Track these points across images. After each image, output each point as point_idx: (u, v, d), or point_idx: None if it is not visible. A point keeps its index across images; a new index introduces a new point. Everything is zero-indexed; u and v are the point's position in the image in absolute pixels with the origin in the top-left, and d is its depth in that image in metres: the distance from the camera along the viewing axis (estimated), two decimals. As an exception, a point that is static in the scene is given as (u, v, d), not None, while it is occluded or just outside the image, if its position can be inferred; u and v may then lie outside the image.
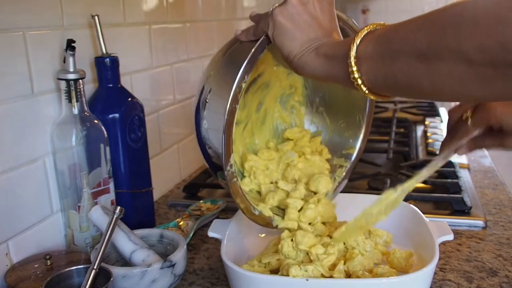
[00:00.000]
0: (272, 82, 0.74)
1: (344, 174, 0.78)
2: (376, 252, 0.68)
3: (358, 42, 0.47)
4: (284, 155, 0.74)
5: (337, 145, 0.79)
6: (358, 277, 0.61)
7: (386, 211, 0.64)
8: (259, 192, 0.73)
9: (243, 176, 0.71)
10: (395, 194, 0.64)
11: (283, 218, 0.69)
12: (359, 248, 0.67)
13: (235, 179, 0.62)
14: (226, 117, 0.57)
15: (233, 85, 0.56)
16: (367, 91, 0.48)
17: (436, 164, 0.63)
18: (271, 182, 0.73)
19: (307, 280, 0.56)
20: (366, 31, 0.48)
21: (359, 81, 0.48)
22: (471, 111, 0.59)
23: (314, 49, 0.52)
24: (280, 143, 0.78)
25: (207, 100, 0.61)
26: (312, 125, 0.81)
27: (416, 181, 0.64)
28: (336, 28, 0.56)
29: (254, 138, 0.76)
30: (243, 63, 0.56)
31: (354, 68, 0.47)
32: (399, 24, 0.44)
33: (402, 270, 0.66)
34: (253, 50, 0.57)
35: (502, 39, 0.35)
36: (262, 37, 0.57)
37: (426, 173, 0.64)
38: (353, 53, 0.47)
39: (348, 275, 0.63)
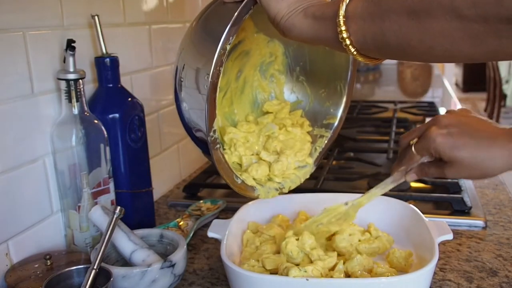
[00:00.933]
0: (252, 50, 0.73)
1: (324, 144, 0.77)
2: (375, 252, 0.68)
3: (347, 1, 0.46)
4: (264, 127, 0.73)
5: (318, 115, 0.78)
6: (357, 277, 0.61)
7: (339, 222, 0.68)
8: (240, 165, 0.72)
9: (223, 149, 0.70)
10: (345, 207, 0.68)
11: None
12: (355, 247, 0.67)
13: (218, 146, 0.60)
14: (210, 79, 0.54)
15: (217, 47, 0.54)
16: (355, 52, 0.48)
17: (386, 186, 0.67)
18: (252, 154, 0.72)
19: (307, 280, 0.56)
20: None
21: (348, 42, 0.47)
22: (417, 139, 0.62)
23: (302, 10, 0.51)
24: (260, 115, 0.77)
25: (182, 79, 0.59)
26: (292, 94, 0.80)
27: (367, 199, 0.68)
28: None
29: (233, 107, 0.75)
30: (227, 24, 0.54)
31: (343, 28, 0.46)
32: None
33: (402, 269, 0.66)
34: (238, 9, 0.55)
35: None
36: None
37: (376, 191, 0.68)
38: (342, 12, 0.46)
39: (348, 275, 0.63)
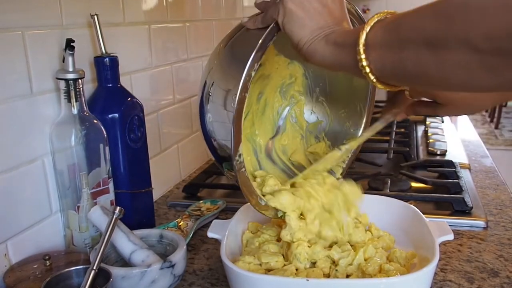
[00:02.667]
0: (273, 72, 0.73)
1: (345, 164, 0.78)
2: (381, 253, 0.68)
3: (367, 30, 0.47)
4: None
5: (338, 135, 0.79)
6: (369, 274, 0.61)
7: (332, 165, 0.72)
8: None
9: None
10: (339, 153, 0.70)
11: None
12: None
13: (243, 169, 0.61)
14: (236, 105, 0.56)
15: (242, 73, 0.55)
16: (375, 80, 0.48)
17: (376, 127, 0.69)
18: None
19: (307, 280, 0.56)
20: (376, 19, 0.48)
21: (367, 69, 0.48)
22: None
23: (324, 36, 0.52)
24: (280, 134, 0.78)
25: (210, 94, 0.60)
26: (312, 115, 0.80)
27: (358, 142, 0.71)
28: (346, 17, 0.56)
29: (254, 129, 0.75)
30: (252, 51, 0.56)
31: (363, 56, 0.47)
32: (408, 12, 0.44)
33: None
34: (263, 37, 0.56)
35: (510, 27, 0.34)
36: (272, 25, 0.57)
37: (367, 134, 0.71)
38: (362, 40, 0.47)
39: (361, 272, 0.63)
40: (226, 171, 0.63)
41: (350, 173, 1.07)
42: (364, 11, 3.08)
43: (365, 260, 0.64)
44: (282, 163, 0.77)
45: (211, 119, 0.61)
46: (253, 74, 0.56)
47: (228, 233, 0.67)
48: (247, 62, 0.56)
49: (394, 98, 0.67)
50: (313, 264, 0.64)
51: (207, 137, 0.62)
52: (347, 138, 0.78)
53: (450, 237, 0.66)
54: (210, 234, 0.68)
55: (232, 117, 0.56)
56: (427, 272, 0.58)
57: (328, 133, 0.79)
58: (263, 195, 0.67)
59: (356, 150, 0.78)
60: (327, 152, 0.77)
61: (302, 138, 0.80)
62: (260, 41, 0.56)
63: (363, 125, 0.77)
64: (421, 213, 0.72)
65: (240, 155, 0.59)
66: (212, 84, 0.60)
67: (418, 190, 0.99)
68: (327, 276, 0.63)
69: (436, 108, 0.62)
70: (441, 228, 0.67)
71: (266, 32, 0.56)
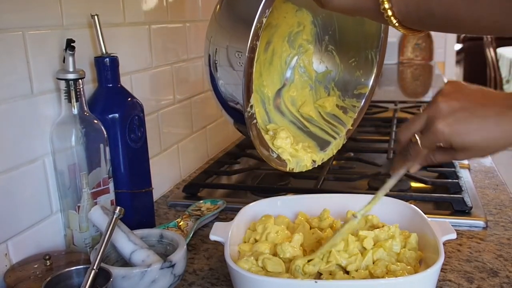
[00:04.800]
0: (280, 21, 0.72)
1: (356, 114, 0.75)
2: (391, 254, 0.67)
3: None
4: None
5: (348, 85, 0.77)
6: (377, 275, 0.61)
7: (349, 233, 0.66)
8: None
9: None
10: (356, 221, 0.65)
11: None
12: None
13: (254, 121, 0.60)
14: (247, 54, 0.54)
15: (253, 21, 0.53)
16: (397, 24, 0.46)
17: (390, 185, 0.64)
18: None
19: (316, 282, 0.56)
20: None
21: (389, 12, 0.45)
22: (419, 134, 0.58)
23: None
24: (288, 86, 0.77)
25: (216, 60, 0.59)
26: (321, 65, 0.78)
27: (373, 204, 0.65)
28: None
29: (262, 79, 0.74)
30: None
31: None
32: None
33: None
34: None
35: None
36: None
37: (381, 194, 0.65)
38: None
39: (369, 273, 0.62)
40: (247, 129, 0.62)
41: (350, 173, 1.08)
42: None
43: (374, 262, 0.64)
44: (291, 115, 0.75)
45: (223, 83, 0.60)
46: (264, 21, 0.54)
47: (230, 235, 0.67)
48: (257, 10, 0.53)
49: (405, 151, 0.61)
50: (320, 275, 0.63)
51: (223, 103, 0.61)
52: (357, 88, 0.76)
53: (453, 236, 0.66)
54: (212, 237, 0.67)
55: (244, 67, 0.54)
56: (434, 272, 0.58)
57: (337, 83, 0.77)
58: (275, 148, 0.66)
59: (366, 104, 0.75)
60: (336, 116, 0.75)
61: (311, 89, 0.77)
62: None
63: (374, 74, 0.74)
64: (422, 213, 0.72)
65: (251, 107, 0.58)
66: (216, 51, 0.59)
67: (417, 190, 0.99)
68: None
69: (454, 154, 0.57)
70: (444, 228, 0.67)
71: None
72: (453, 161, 1.10)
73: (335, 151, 0.74)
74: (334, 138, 0.75)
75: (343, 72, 0.77)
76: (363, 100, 0.75)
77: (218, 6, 0.62)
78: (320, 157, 0.72)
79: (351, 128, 0.75)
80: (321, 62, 0.78)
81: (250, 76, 0.56)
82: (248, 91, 0.57)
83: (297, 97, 0.76)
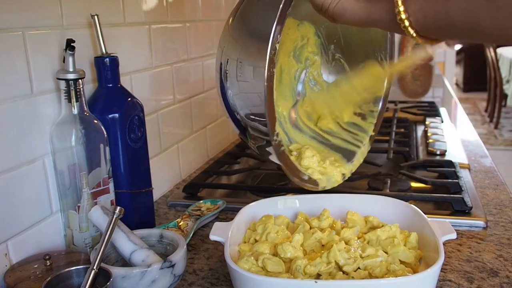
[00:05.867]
0: (283, 36, 0.71)
1: (376, 118, 0.75)
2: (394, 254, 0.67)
3: None
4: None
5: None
6: (375, 275, 0.61)
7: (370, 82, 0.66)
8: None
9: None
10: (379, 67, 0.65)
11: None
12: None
13: (282, 148, 0.59)
14: (265, 84, 0.54)
15: (266, 49, 0.53)
16: (414, 34, 0.45)
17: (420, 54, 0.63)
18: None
19: (316, 282, 0.56)
20: None
21: (406, 23, 0.44)
22: None
23: None
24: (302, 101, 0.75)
25: (227, 71, 0.59)
26: (331, 75, 0.77)
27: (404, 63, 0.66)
28: None
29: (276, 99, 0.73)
30: (273, 23, 0.52)
31: (401, 8, 0.44)
32: None
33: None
34: (281, 5, 0.53)
35: None
36: None
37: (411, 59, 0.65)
38: None
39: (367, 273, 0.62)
40: (250, 141, 0.62)
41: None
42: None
43: (373, 262, 0.63)
44: (310, 130, 0.74)
45: (231, 94, 0.59)
46: (277, 47, 0.53)
47: (230, 235, 0.67)
48: (269, 37, 0.52)
49: None
50: (319, 276, 0.63)
51: (231, 112, 0.61)
52: (372, 93, 0.74)
53: (453, 236, 0.66)
54: (213, 237, 0.67)
55: (264, 96, 0.54)
56: (434, 272, 0.58)
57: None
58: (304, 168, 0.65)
59: (383, 107, 0.74)
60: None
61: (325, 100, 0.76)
62: (279, 10, 0.52)
63: (387, 76, 0.73)
64: (422, 213, 0.72)
65: (277, 134, 0.57)
66: (227, 62, 0.59)
67: (417, 190, 0.99)
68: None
69: None
70: (444, 228, 0.67)
71: (283, 1, 0.53)
72: (454, 161, 1.10)
73: (361, 160, 0.73)
74: (358, 147, 0.74)
75: (355, 79, 0.76)
76: (380, 103, 0.74)
77: (233, 15, 0.61)
78: (349, 169, 0.71)
79: (373, 134, 0.74)
80: (330, 72, 0.77)
81: (272, 104, 0.56)
82: (272, 120, 0.56)
83: (312, 111, 0.75)
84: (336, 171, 0.70)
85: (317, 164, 0.68)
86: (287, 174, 0.63)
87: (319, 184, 0.66)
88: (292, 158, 0.66)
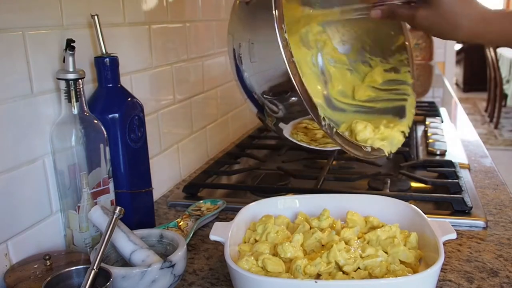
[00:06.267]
0: (288, 26, 0.71)
1: (409, 63, 0.73)
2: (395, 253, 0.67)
3: None
4: None
5: (383, 46, 0.74)
6: (375, 275, 0.61)
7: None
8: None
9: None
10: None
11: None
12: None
13: (334, 129, 0.59)
14: (293, 80, 0.55)
15: (275, 31, 0.54)
16: None
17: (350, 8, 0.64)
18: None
19: (316, 282, 0.56)
20: None
21: None
22: None
23: None
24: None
25: (241, 54, 0.60)
26: (346, 45, 0.75)
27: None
28: None
29: None
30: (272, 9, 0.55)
31: None
32: None
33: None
34: None
35: None
36: None
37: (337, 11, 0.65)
38: None
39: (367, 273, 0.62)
40: (267, 119, 0.62)
41: (350, 173, 1.08)
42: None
43: (373, 262, 0.63)
44: (351, 106, 0.73)
45: (247, 75, 0.60)
46: (286, 36, 0.55)
47: (230, 235, 0.67)
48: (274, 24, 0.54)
49: None
50: (319, 276, 0.63)
51: (249, 93, 0.61)
52: (393, 42, 0.72)
53: (453, 236, 0.66)
54: (213, 237, 0.67)
55: (296, 87, 0.55)
56: (434, 272, 0.58)
57: (372, 51, 0.74)
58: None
59: (411, 50, 0.72)
60: (384, 74, 0.72)
61: (352, 72, 0.75)
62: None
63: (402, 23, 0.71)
64: (422, 213, 0.72)
65: (324, 119, 0.57)
66: (240, 45, 0.60)
67: (417, 190, 0.99)
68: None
69: (416, 10, 0.57)
70: (444, 228, 0.67)
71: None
72: (454, 161, 1.10)
73: (413, 111, 0.71)
74: (405, 100, 0.71)
75: (371, 38, 0.74)
76: (407, 50, 0.72)
77: (238, 2, 0.62)
78: (406, 124, 0.69)
79: (413, 81, 0.72)
80: (343, 43, 0.75)
81: (307, 92, 0.56)
82: (313, 108, 0.56)
83: (344, 87, 0.73)
84: (394, 132, 0.67)
85: (373, 133, 0.67)
86: (351, 152, 0.62)
87: (384, 150, 0.65)
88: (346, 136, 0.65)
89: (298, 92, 0.56)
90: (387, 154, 0.65)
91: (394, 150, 0.66)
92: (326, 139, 0.63)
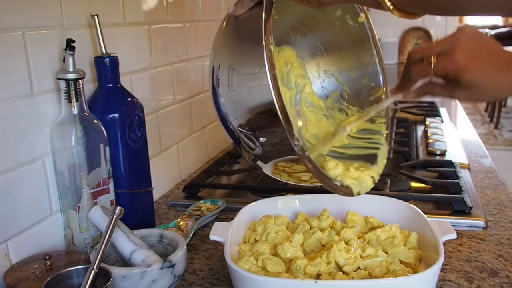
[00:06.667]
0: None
1: (385, 118, 0.74)
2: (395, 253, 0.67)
3: None
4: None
5: (360, 96, 0.75)
6: (375, 275, 0.61)
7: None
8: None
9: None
10: (345, 134, 0.67)
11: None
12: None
13: (307, 153, 0.57)
14: (272, 88, 0.53)
15: (263, 52, 0.53)
16: (391, 6, 0.45)
17: (384, 105, 0.64)
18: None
19: (316, 282, 0.56)
20: None
21: None
22: (435, 56, 0.56)
23: None
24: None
25: (219, 76, 0.59)
26: (325, 90, 0.76)
27: (362, 119, 0.65)
28: None
29: None
30: (261, 26, 0.53)
31: None
32: None
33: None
34: (264, 9, 0.54)
35: None
36: None
37: (373, 112, 0.65)
38: None
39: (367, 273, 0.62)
40: (244, 153, 0.61)
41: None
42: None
43: (373, 262, 0.64)
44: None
45: (223, 102, 0.59)
46: (272, 48, 0.54)
47: (230, 235, 0.67)
48: (261, 39, 0.53)
49: (411, 72, 0.60)
50: (319, 276, 0.63)
51: (224, 121, 0.60)
52: (371, 93, 0.73)
53: (453, 236, 0.66)
54: (212, 237, 0.67)
55: (278, 106, 0.53)
56: (434, 272, 0.58)
57: (349, 99, 0.75)
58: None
59: (387, 98, 0.73)
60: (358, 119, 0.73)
61: (328, 118, 0.75)
62: (264, 14, 0.54)
63: (380, 73, 0.72)
64: (422, 213, 0.72)
65: (298, 139, 0.56)
66: (219, 66, 0.59)
67: (417, 190, 0.99)
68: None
69: (453, 90, 0.57)
70: (444, 227, 0.67)
71: (265, 4, 0.54)
72: (454, 161, 1.10)
73: (385, 160, 0.72)
74: (377, 148, 0.73)
75: (350, 87, 0.76)
76: (383, 101, 0.74)
77: (225, 23, 0.62)
78: (376, 171, 0.70)
79: (387, 131, 0.73)
80: (323, 88, 0.77)
81: (284, 107, 0.54)
82: (288, 124, 0.55)
83: (318, 132, 0.74)
84: (365, 175, 0.68)
85: (343, 172, 0.67)
86: (320, 181, 0.61)
87: (352, 189, 0.65)
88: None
89: (277, 106, 0.54)
90: (355, 194, 0.66)
91: (362, 192, 0.67)
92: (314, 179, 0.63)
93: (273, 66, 0.54)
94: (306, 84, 0.75)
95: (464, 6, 0.42)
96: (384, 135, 0.73)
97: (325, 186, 0.62)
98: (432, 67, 0.56)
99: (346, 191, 0.64)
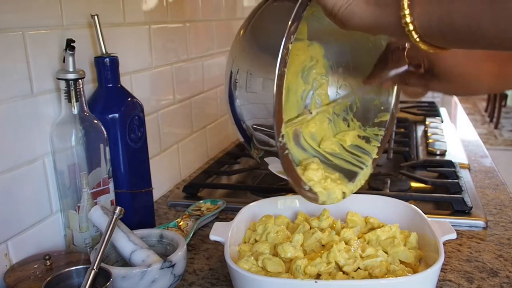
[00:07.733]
0: (292, 57, 0.71)
1: (380, 143, 0.75)
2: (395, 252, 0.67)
3: None
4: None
5: (367, 114, 0.76)
6: (376, 275, 0.61)
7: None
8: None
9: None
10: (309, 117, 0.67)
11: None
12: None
13: (286, 151, 0.58)
14: (276, 81, 0.53)
15: (279, 47, 0.53)
16: (418, 39, 0.45)
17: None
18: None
19: (316, 282, 0.56)
20: None
21: (411, 27, 0.44)
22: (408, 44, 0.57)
23: None
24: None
25: (237, 80, 0.59)
26: (338, 97, 0.77)
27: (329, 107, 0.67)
28: None
29: None
30: (287, 22, 0.53)
31: (407, 12, 0.44)
32: None
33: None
34: (297, 6, 0.53)
35: None
36: None
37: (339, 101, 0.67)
38: None
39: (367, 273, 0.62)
40: (253, 151, 0.62)
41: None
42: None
43: (373, 262, 0.64)
44: (313, 150, 0.74)
45: (239, 104, 0.59)
46: (290, 47, 0.54)
47: (230, 235, 0.67)
48: (283, 36, 0.53)
49: (386, 59, 0.60)
50: (319, 276, 0.63)
51: (238, 121, 0.61)
52: (378, 116, 0.75)
53: (453, 236, 0.66)
54: (212, 237, 0.67)
55: (273, 99, 0.54)
56: (434, 272, 0.58)
57: (356, 113, 0.76)
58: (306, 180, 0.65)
59: (388, 131, 0.75)
60: (354, 139, 0.75)
61: (330, 122, 0.76)
62: (294, 11, 0.53)
63: (393, 101, 0.73)
64: (422, 213, 0.72)
65: (283, 136, 0.57)
66: (238, 72, 0.59)
67: (417, 190, 0.99)
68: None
69: (429, 81, 0.57)
70: (444, 228, 0.67)
71: (299, 3, 0.54)
72: (454, 161, 1.10)
73: (363, 182, 0.73)
74: (361, 168, 0.74)
75: (361, 102, 0.76)
76: (385, 128, 0.75)
77: (245, 26, 0.61)
78: (350, 188, 0.71)
79: (376, 157, 0.75)
80: (337, 94, 0.77)
81: (281, 104, 0.55)
82: (279, 120, 0.56)
83: (317, 132, 0.75)
84: (337, 188, 0.69)
85: (320, 178, 0.68)
86: (289, 181, 0.62)
87: (319, 197, 0.66)
88: (298, 168, 0.66)
89: (273, 102, 0.55)
90: (319, 203, 0.66)
91: (328, 203, 0.68)
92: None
93: (285, 63, 0.54)
94: (323, 84, 0.76)
95: (492, 41, 0.41)
96: (373, 159, 0.74)
97: (294, 186, 0.63)
98: (405, 54, 0.57)
99: (312, 197, 0.65)
